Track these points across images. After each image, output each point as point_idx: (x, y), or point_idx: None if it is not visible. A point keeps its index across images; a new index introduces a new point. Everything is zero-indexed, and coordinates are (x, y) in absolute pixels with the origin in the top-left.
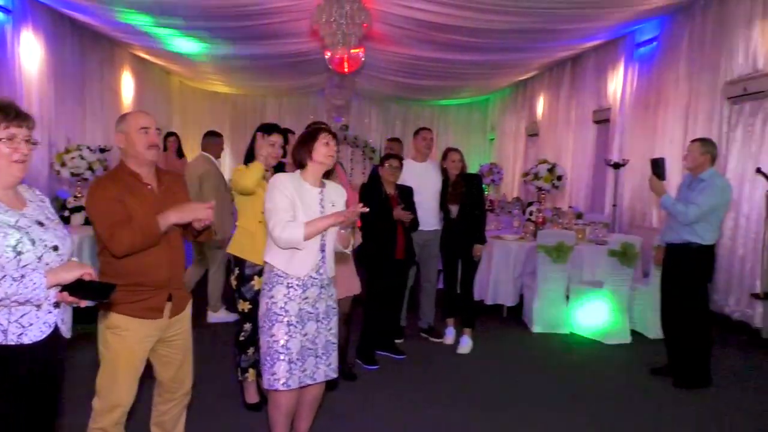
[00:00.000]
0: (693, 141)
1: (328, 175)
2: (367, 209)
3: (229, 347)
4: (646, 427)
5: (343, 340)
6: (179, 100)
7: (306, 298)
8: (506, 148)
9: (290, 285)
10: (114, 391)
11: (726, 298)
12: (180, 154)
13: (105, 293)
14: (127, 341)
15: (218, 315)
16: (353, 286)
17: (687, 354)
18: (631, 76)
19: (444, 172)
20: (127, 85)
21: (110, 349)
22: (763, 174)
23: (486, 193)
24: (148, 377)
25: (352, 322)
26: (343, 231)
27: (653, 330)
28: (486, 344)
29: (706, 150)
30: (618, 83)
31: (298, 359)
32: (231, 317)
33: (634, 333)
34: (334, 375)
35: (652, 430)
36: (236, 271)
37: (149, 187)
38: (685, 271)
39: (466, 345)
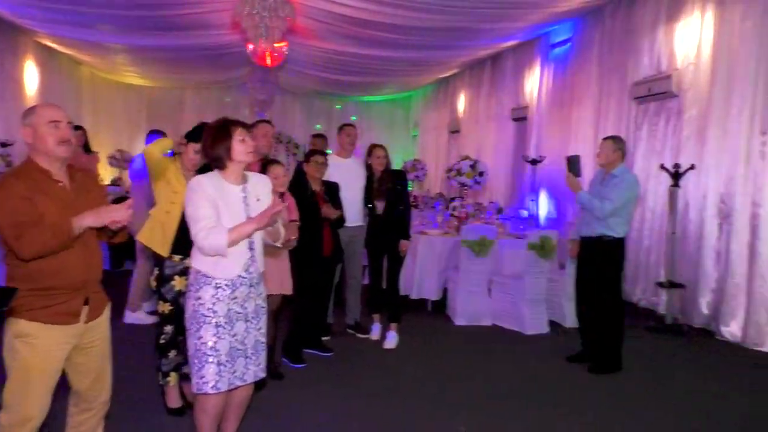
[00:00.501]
0: (605, 139)
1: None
2: (286, 204)
3: (149, 350)
4: (564, 412)
5: (272, 338)
6: (90, 92)
7: (235, 298)
8: (429, 144)
9: (218, 285)
10: (25, 404)
11: (633, 286)
12: (87, 149)
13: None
14: (38, 350)
15: (136, 315)
16: (286, 284)
17: (601, 341)
18: (547, 76)
19: (368, 168)
20: (31, 75)
21: (19, 360)
22: (667, 170)
23: (410, 189)
24: (62, 385)
25: (281, 319)
26: (270, 228)
27: (569, 319)
28: (412, 338)
29: (618, 147)
30: (535, 82)
31: (227, 361)
32: (149, 319)
33: (551, 323)
34: (264, 375)
35: (570, 415)
36: (156, 272)
37: (60, 184)
38: (600, 262)
39: (392, 340)
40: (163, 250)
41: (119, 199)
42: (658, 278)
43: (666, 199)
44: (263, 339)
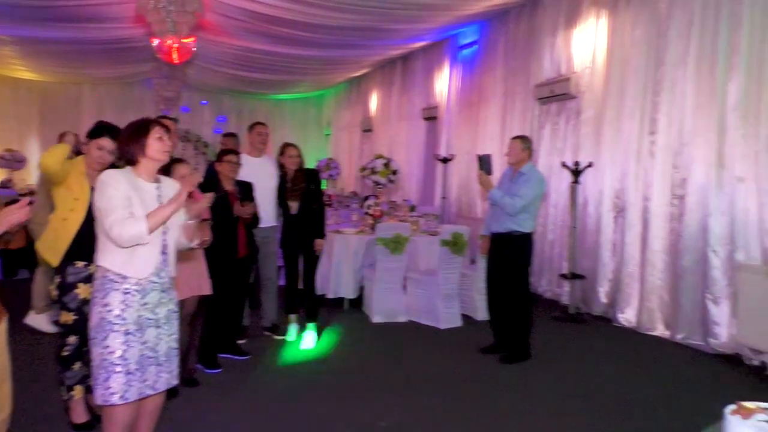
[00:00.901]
0: (514, 138)
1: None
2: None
3: (52, 363)
4: (478, 401)
5: (185, 344)
6: None
7: (145, 303)
8: (342, 143)
9: (127, 291)
10: None
11: (539, 279)
12: None
13: None
14: None
15: (37, 319)
16: (203, 285)
17: (511, 332)
18: (456, 76)
19: (281, 167)
20: None
21: None
22: (567, 167)
23: (324, 188)
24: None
25: (196, 323)
26: (190, 222)
27: (481, 313)
28: (329, 337)
29: (526, 146)
30: (444, 82)
31: (137, 369)
32: (49, 327)
33: (464, 317)
34: (176, 382)
35: (484, 403)
36: (57, 279)
37: None
38: (510, 257)
39: (309, 340)
40: (54, 259)
41: (11, 203)
42: (561, 270)
43: (567, 194)
44: (176, 345)
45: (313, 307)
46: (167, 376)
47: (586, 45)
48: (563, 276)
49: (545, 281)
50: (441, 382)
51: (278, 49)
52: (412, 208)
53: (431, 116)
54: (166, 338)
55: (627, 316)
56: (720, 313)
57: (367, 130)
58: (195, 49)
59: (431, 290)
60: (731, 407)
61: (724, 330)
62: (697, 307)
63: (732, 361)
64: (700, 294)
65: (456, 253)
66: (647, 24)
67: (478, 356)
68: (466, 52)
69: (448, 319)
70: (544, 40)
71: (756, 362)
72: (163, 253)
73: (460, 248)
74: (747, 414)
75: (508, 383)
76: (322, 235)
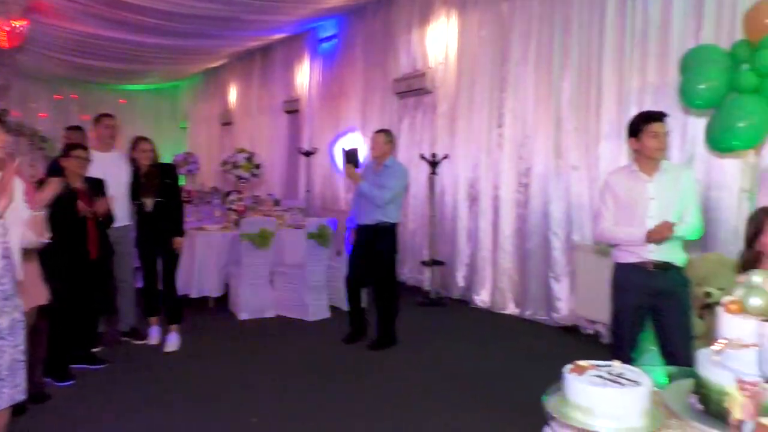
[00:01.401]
0: (378, 132)
1: None
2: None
3: None
4: (350, 388)
5: (31, 356)
6: None
7: None
8: (200, 136)
9: None
10: None
11: (402, 267)
12: None
13: None
14: None
15: None
16: (39, 294)
17: (379, 320)
18: (316, 70)
19: (133, 162)
20: None
21: None
22: (425, 159)
23: (182, 183)
24: None
25: (39, 333)
26: (37, 214)
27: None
28: (195, 338)
29: (389, 140)
30: (305, 75)
31: None
32: None
33: (333, 308)
34: (23, 397)
35: (354, 388)
36: None
37: None
38: (380, 247)
39: (173, 342)
40: None
41: None
42: (422, 258)
43: (426, 185)
44: (21, 357)
45: (174, 308)
46: (11, 392)
47: (439, 42)
48: (424, 263)
49: (408, 269)
50: (311, 372)
51: (124, 35)
52: (277, 202)
53: (293, 109)
54: (10, 350)
55: (482, 298)
56: (561, 289)
57: (227, 123)
58: (27, 33)
59: (299, 283)
60: (569, 367)
61: (565, 304)
62: (542, 286)
63: (571, 331)
64: (544, 273)
65: (322, 245)
66: (492, 24)
67: (348, 345)
68: (326, 45)
69: (317, 311)
70: (400, 36)
71: (591, 331)
72: (5, 257)
73: (326, 240)
74: (581, 371)
75: (376, 367)
76: (180, 233)
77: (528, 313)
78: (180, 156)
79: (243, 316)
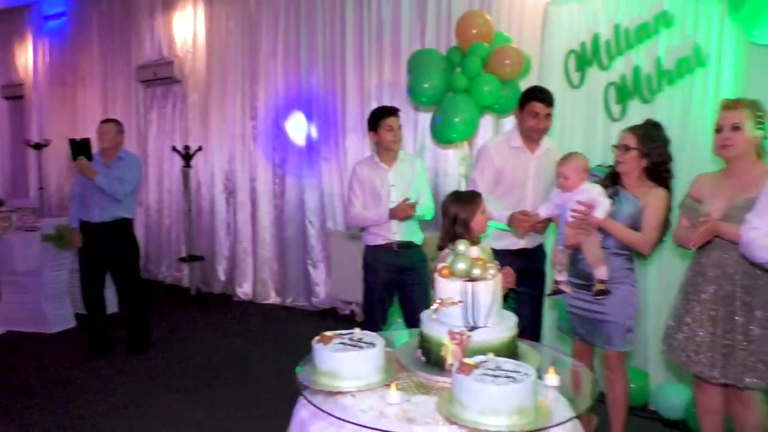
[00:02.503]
0: (106, 122)
1: None
2: None
3: None
4: (103, 399)
5: None
6: None
7: None
8: None
9: None
10: None
11: (159, 265)
12: None
13: None
14: None
15: None
16: None
17: (130, 324)
18: (43, 51)
19: None
20: None
21: None
22: (178, 152)
23: None
24: None
25: None
26: None
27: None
28: None
29: (121, 129)
30: (29, 57)
31: None
32: None
33: (79, 315)
34: None
35: (108, 400)
36: None
37: None
38: (121, 245)
39: None
40: None
41: None
42: (180, 254)
43: (180, 178)
44: None
45: None
46: None
47: (186, 30)
48: (182, 259)
49: (165, 266)
50: (56, 389)
51: None
52: (2, 202)
53: (15, 95)
54: None
55: (244, 290)
56: (318, 274)
57: None
58: None
59: (34, 292)
60: (316, 338)
61: (323, 289)
62: (301, 273)
63: (330, 314)
64: (302, 260)
65: (62, 247)
66: (240, 16)
67: (96, 356)
68: (53, 23)
69: (59, 321)
70: (142, 20)
71: (347, 311)
72: None
73: (67, 242)
74: (327, 340)
75: (131, 373)
76: None
77: (289, 301)
78: None
79: None
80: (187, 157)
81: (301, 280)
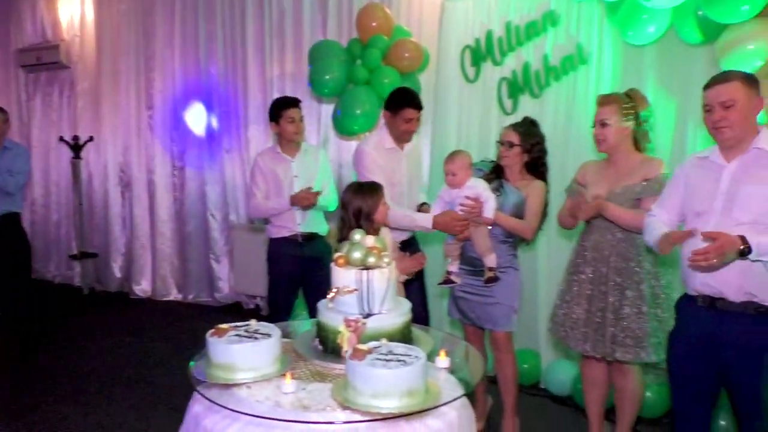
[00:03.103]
0: None
1: None
2: None
3: None
4: None
5: None
6: None
7: None
8: None
9: None
10: None
11: (47, 264)
12: None
13: None
14: None
15: None
16: None
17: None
18: None
19: None
20: None
21: None
22: (66, 142)
23: None
24: None
25: None
26: None
27: None
28: None
29: (5, 118)
30: None
31: None
32: None
33: None
34: None
35: None
36: None
37: None
38: (15, 243)
39: None
40: None
41: None
42: (71, 251)
43: (69, 171)
44: None
45: None
46: None
47: (73, 10)
48: (73, 257)
49: (53, 265)
50: None
51: None
52: None
53: None
54: None
55: (143, 287)
56: (222, 269)
57: None
58: None
59: None
60: (211, 331)
61: (226, 284)
62: (203, 268)
63: (234, 309)
64: (205, 255)
65: None
66: (133, 0)
67: None
68: None
69: None
70: (23, 2)
71: (252, 305)
72: None
73: None
74: (222, 333)
75: (20, 381)
76: None
77: (191, 297)
78: None
79: None
80: (76, 148)
81: (203, 275)
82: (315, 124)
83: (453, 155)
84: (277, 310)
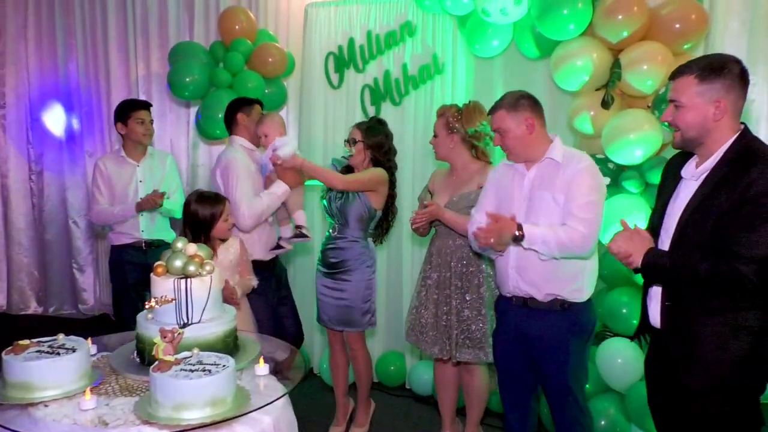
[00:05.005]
0: None
1: None
2: None
3: None
4: None
5: None
6: None
7: None
8: None
9: None
10: None
11: None
12: None
13: None
14: None
15: None
16: None
17: None
18: None
19: None
20: None
21: None
22: None
23: None
24: None
25: None
26: None
27: None
28: None
29: None
30: None
31: None
32: None
33: None
34: None
35: None
36: None
37: None
38: None
39: None
40: None
41: None
42: None
43: None
44: None
45: None
46: None
47: None
48: None
49: None
50: None
51: None
52: None
53: None
54: None
55: None
56: (86, 279)
57: None
58: None
59: None
60: (8, 348)
61: (91, 295)
62: (66, 278)
63: (100, 321)
64: (67, 264)
65: None
66: None
67: None
68: None
69: None
70: None
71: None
72: None
73: None
74: (21, 350)
75: None
76: None
77: (52, 310)
78: None
79: None
80: None
81: (66, 286)
82: (184, 127)
83: (263, 118)
84: (123, 320)
